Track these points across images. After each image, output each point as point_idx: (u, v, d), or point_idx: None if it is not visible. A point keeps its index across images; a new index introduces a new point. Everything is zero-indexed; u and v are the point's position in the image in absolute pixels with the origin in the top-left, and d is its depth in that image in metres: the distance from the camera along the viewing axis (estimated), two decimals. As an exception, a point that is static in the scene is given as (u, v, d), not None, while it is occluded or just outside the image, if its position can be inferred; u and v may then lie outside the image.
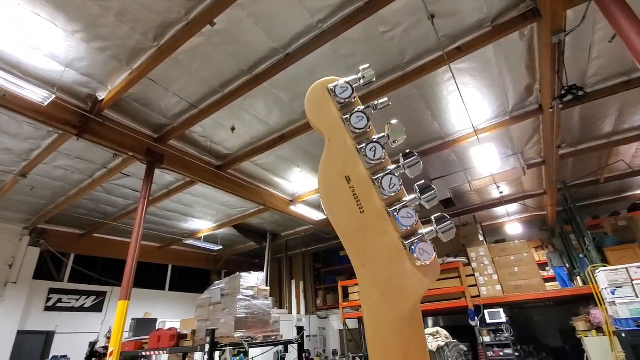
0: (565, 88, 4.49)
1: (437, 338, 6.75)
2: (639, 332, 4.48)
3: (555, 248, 9.98)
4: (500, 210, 10.31)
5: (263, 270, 10.28)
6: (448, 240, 0.51)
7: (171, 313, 10.63)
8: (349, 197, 0.55)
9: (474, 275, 8.24)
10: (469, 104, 5.38)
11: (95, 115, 5.04)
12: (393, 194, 0.55)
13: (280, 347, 7.72)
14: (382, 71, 4.82)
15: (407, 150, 0.58)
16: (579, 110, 5.80)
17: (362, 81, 0.61)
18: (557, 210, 9.33)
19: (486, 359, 7.01)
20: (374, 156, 0.57)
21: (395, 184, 0.55)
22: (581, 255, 8.70)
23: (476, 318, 7.42)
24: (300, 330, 6.21)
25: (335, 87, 0.60)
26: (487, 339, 7.23)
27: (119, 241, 10.43)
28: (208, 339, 4.65)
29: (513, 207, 9.94)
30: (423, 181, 0.56)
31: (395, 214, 0.52)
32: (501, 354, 7.07)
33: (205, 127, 5.83)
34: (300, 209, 8.56)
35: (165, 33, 4.08)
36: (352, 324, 10.23)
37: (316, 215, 8.87)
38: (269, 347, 6.04)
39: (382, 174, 0.55)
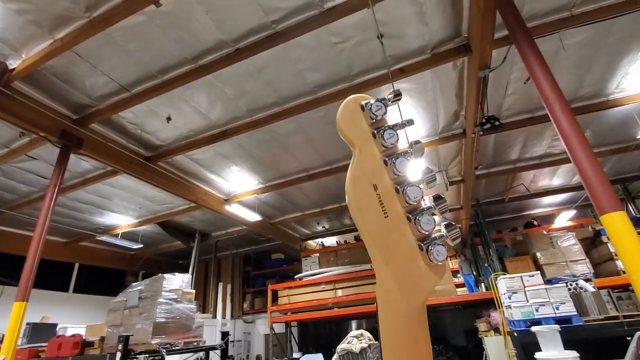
0: (486, 117, 5.11)
1: (361, 340, 7.04)
2: (528, 331, 5.24)
3: (465, 257, 11.19)
4: (423, 221, 11.23)
5: (188, 272, 9.69)
6: (455, 244, 0.59)
7: (74, 318, 9.39)
8: (375, 203, 0.62)
9: (397, 280, 8.81)
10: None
11: (3, 86, 4.29)
12: (415, 203, 0.63)
13: (201, 354, 7.33)
14: (331, 80, 4.96)
15: (427, 167, 0.68)
16: (493, 138, 6.63)
17: (390, 102, 0.69)
18: (470, 224, 10.48)
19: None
20: (402, 169, 0.66)
21: (418, 195, 0.64)
22: (486, 265, 9.90)
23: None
24: (225, 335, 5.98)
25: (370, 104, 0.68)
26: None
27: (15, 233, 8.94)
28: (120, 346, 4.22)
29: (436, 218, 10.91)
30: (436, 193, 0.65)
31: (419, 218, 0.60)
32: (416, 353, 7.64)
33: (136, 114, 5.34)
34: (235, 209, 8.30)
35: (100, 5, 3.67)
36: (279, 328, 10.17)
37: (251, 216, 8.67)
38: (189, 354, 5.69)
39: (406, 185, 0.63)
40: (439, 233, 0.61)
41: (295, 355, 9.61)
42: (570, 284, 6.05)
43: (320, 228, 11.55)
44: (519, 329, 5.74)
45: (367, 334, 7.29)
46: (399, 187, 0.63)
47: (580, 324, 5.35)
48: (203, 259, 12.49)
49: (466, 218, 9.91)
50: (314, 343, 11.68)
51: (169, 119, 5.43)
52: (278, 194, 8.37)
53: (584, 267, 6.83)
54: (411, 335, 0.59)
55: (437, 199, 0.64)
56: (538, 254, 7.48)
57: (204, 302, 12.53)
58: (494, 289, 7.29)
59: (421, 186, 0.63)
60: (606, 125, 6.35)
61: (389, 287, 0.60)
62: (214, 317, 11.24)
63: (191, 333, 5.38)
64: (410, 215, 0.61)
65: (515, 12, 3.26)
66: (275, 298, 9.91)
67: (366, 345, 7.00)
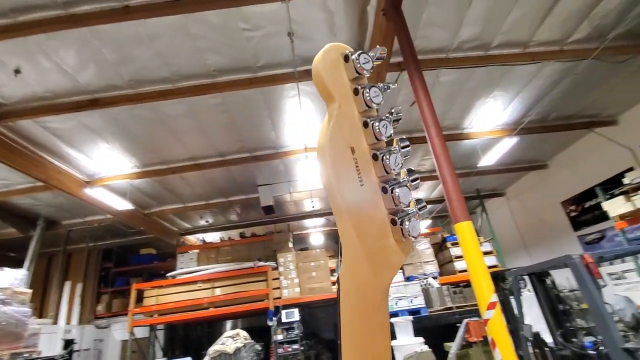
0: (375, 131, 5.64)
1: (236, 340, 6.84)
2: (387, 323, 6.02)
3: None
4: (309, 222, 11.72)
5: (23, 267, 7.73)
6: (423, 220, 0.54)
7: None
8: (352, 168, 0.55)
9: (279, 278, 8.92)
10: (306, 124, 5.93)
11: None
12: (395, 172, 0.56)
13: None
14: (233, 67, 4.70)
15: (403, 137, 0.62)
16: (377, 151, 7.39)
17: (375, 60, 0.60)
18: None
19: (277, 355, 7.63)
20: (385, 133, 0.58)
21: (399, 163, 0.57)
22: (358, 264, 10.94)
23: (274, 318, 8.01)
24: (68, 343, 4.98)
25: (358, 55, 0.58)
26: (280, 337, 7.91)
27: None
28: None
29: (319, 220, 11.51)
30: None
31: (397, 190, 0.53)
32: (289, 349, 7.87)
33: (-37, 56, 3.99)
34: (98, 194, 6.98)
35: None
36: (141, 333, 9.03)
37: (120, 204, 7.46)
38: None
39: (386, 152, 0.55)
40: (412, 208, 0.57)
41: (159, 361, 8.71)
42: (422, 281, 7.20)
43: (203, 222, 10.82)
44: (380, 321, 6.51)
45: (244, 333, 7.14)
46: (378, 153, 0.57)
47: (427, 314, 6.41)
48: (46, 252, 10.17)
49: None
50: (182, 347, 10.83)
51: (17, 71, 4.23)
52: (157, 181, 7.47)
53: (432, 267, 8.22)
54: (377, 320, 0.54)
55: (411, 172, 0.60)
56: (400, 256, 8.67)
57: (41, 305, 10.18)
58: (363, 286, 8.10)
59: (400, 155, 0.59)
60: (459, 153, 7.81)
61: (358, 266, 0.53)
62: (55, 322, 9.24)
63: (22, 342, 4.28)
64: (387, 186, 0.55)
65: (410, 42, 3.70)
66: (140, 299, 8.78)
67: (241, 345, 6.84)
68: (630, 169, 5.90)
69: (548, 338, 3.83)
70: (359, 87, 0.58)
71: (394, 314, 6.41)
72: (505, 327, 2.55)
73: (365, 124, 0.57)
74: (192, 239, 11.77)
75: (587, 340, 3.18)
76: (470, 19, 4.35)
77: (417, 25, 4.35)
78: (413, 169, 0.60)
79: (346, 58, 0.58)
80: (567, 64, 5.23)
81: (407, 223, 0.53)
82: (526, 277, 4.18)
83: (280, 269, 9.25)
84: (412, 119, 6.30)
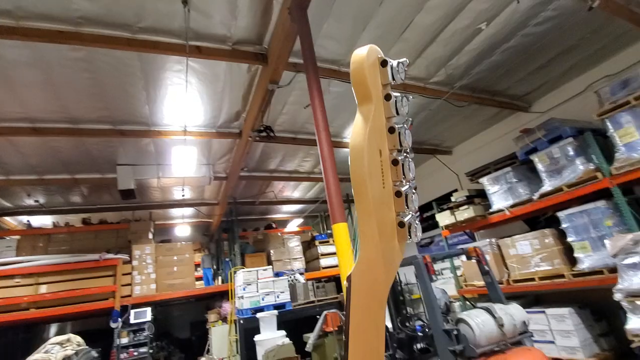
0: (264, 126, 5.61)
1: (65, 347, 5.67)
2: (253, 318, 6.02)
3: (209, 252, 11.58)
4: (176, 212, 10.71)
5: None
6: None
7: None
8: (379, 170, 0.60)
9: (131, 273, 7.84)
10: (188, 104, 5.41)
11: None
12: (410, 178, 0.62)
13: None
14: (107, 20, 3.90)
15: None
16: (262, 146, 7.35)
17: (400, 75, 0.65)
18: (222, 220, 10.99)
19: (119, 361, 6.67)
20: (409, 141, 0.63)
21: (414, 171, 0.63)
22: (227, 259, 10.62)
23: (119, 319, 6.99)
24: None
25: (397, 63, 0.64)
26: (125, 340, 6.94)
27: None
28: None
29: (189, 210, 10.65)
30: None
31: (410, 194, 0.52)
32: (135, 353, 6.99)
33: None
34: None
35: None
36: None
37: None
38: None
39: (404, 158, 0.56)
40: (412, 214, 0.57)
41: None
42: (290, 277, 7.52)
43: (30, 202, 8.55)
44: (245, 316, 6.47)
45: (77, 339, 5.97)
46: (399, 159, 0.57)
47: (291, 308, 6.71)
48: None
49: (220, 214, 10.31)
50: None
51: None
52: (-35, 142, 5.56)
53: (300, 264, 8.68)
54: (381, 317, 0.61)
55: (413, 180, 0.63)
56: (272, 251, 8.84)
57: None
58: (231, 282, 7.90)
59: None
60: (336, 159, 8.48)
61: (376, 264, 0.56)
62: None
63: None
64: (402, 190, 0.56)
65: (312, 47, 3.83)
66: None
67: (72, 352, 5.71)
68: (455, 190, 7.60)
69: (389, 324, 4.55)
70: (391, 93, 0.61)
71: (260, 309, 6.48)
72: (364, 317, 2.91)
73: (392, 130, 0.61)
74: (11, 221, 9.19)
75: (417, 324, 3.91)
76: (362, 41, 4.80)
77: (318, 33, 4.53)
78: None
79: (384, 63, 0.61)
80: (425, 100, 6.35)
81: (415, 226, 0.57)
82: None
83: (135, 262, 8.17)
84: (298, 121, 6.52)
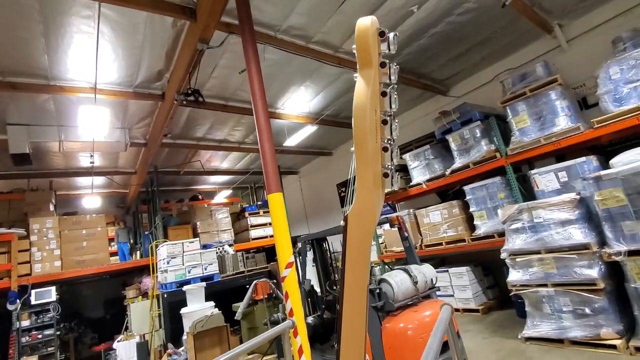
0: (191, 89, 5.19)
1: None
2: (178, 291, 5.81)
3: (125, 225, 10.64)
4: (84, 181, 9.48)
5: None
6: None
7: None
8: (374, 127, 0.69)
9: (29, 250, 6.85)
10: (99, 57, 4.70)
11: None
12: (395, 137, 0.72)
13: None
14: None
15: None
16: (188, 111, 6.82)
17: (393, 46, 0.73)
18: (140, 191, 10.09)
19: (18, 346, 5.90)
20: (396, 104, 0.73)
21: (397, 130, 0.74)
22: (147, 232, 9.91)
23: (18, 301, 6.13)
24: None
25: (394, 35, 0.73)
26: (26, 323, 6.14)
27: None
28: None
29: (99, 180, 9.52)
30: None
31: (395, 150, 0.68)
32: (39, 336, 6.26)
33: None
34: None
35: None
36: None
37: None
38: None
39: (391, 118, 0.68)
40: (394, 166, 0.67)
41: None
42: (218, 249, 7.37)
43: None
44: (170, 290, 6.21)
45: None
46: (388, 119, 0.61)
47: (219, 279, 6.63)
48: None
49: (138, 184, 9.45)
50: None
51: None
52: None
53: (229, 235, 8.53)
54: (368, 256, 0.75)
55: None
56: (198, 224, 8.49)
57: None
58: (152, 256, 7.44)
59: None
60: (267, 130, 8.35)
61: (368, 209, 0.68)
62: None
63: None
64: (388, 146, 0.63)
65: (248, 8, 3.60)
66: None
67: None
68: (381, 165, 8.14)
69: (317, 289, 4.83)
70: (387, 61, 0.71)
71: (186, 282, 6.27)
72: (297, 283, 3.04)
73: (384, 94, 0.71)
74: None
75: (344, 287, 4.23)
76: (301, 8, 4.66)
77: (254, -7, 4.26)
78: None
79: (382, 34, 0.69)
80: (359, 75, 6.53)
81: (395, 176, 0.68)
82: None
83: (33, 237, 7.16)
84: (229, 86, 6.17)
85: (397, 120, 0.74)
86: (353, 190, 0.70)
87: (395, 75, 0.75)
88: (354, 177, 0.73)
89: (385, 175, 0.70)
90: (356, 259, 0.75)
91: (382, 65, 0.74)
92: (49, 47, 4.46)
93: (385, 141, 0.69)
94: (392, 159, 0.70)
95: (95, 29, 4.15)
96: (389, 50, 0.72)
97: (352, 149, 0.74)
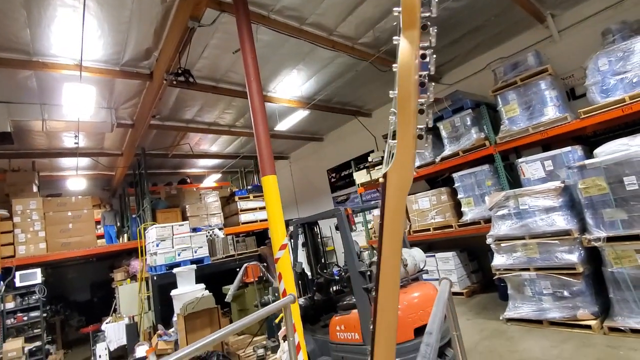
0: (182, 69, 5.05)
1: None
2: (168, 273, 5.80)
3: (112, 208, 10.46)
4: (68, 162, 9.23)
5: None
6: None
7: None
8: (417, 87, 0.74)
9: (12, 231, 6.70)
10: (84, 32, 4.51)
11: None
12: (430, 99, 0.77)
13: None
14: None
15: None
16: (177, 92, 6.66)
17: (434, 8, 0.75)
18: (127, 173, 9.90)
19: (3, 327, 5.84)
20: (433, 68, 0.77)
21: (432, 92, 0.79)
22: (134, 216, 9.78)
23: (1, 282, 6.03)
24: None
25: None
26: (10, 305, 6.06)
27: None
28: None
29: (84, 161, 9.29)
30: None
31: (429, 111, 0.73)
32: (25, 318, 6.20)
33: None
34: None
35: None
36: None
37: None
38: None
39: (428, 81, 0.74)
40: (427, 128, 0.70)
41: None
42: (208, 232, 7.35)
43: None
44: (159, 272, 6.20)
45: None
46: (426, 80, 0.62)
47: (210, 262, 6.65)
48: None
49: (124, 166, 9.27)
50: None
51: None
52: None
53: (218, 219, 8.51)
54: (404, 210, 0.83)
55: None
56: (187, 207, 8.42)
57: None
58: (140, 239, 7.38)
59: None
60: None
61: (407, 166, 0.75)
62: None
63: None
64: (424, 108, 0.64)
65: (243, -16, 3.49)
66: None
67: None
68: (372, 151, 8.17)
69: (308, 272, 4.91)
70: (428, 23, 0.74)
71: (176, 265, 6.27)
72: (290, 264, 3.08)
73: (423, 56, 0.76)
74: None
75: (335, 270, 4.31)
76: (296, -12, 4.55)
77: (248, -30, 4.14)
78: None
79: None
80: (353, 61, 6.47)
81: (428, 136, 0.77)
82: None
83: (16, 219, 7.00)
84: (221, 67, 6.04)
85: (433, 84, 0.76)
86: (390, 151, 0.75)
87: (435, 37, 0.77)
88: (392, 137, 0.82)
89: (420, 137, 0.73)
90: (394, 211, 0.82)
91: (424, 27, 0.76)
92: (31, 20, 4.26)
93: (421, 104, 0.73)
94: (426, 122, 0.73)
95: (81, 2, 3.97)
96: (431, 13, 0.74)
97: (393, 109, 0.77)
